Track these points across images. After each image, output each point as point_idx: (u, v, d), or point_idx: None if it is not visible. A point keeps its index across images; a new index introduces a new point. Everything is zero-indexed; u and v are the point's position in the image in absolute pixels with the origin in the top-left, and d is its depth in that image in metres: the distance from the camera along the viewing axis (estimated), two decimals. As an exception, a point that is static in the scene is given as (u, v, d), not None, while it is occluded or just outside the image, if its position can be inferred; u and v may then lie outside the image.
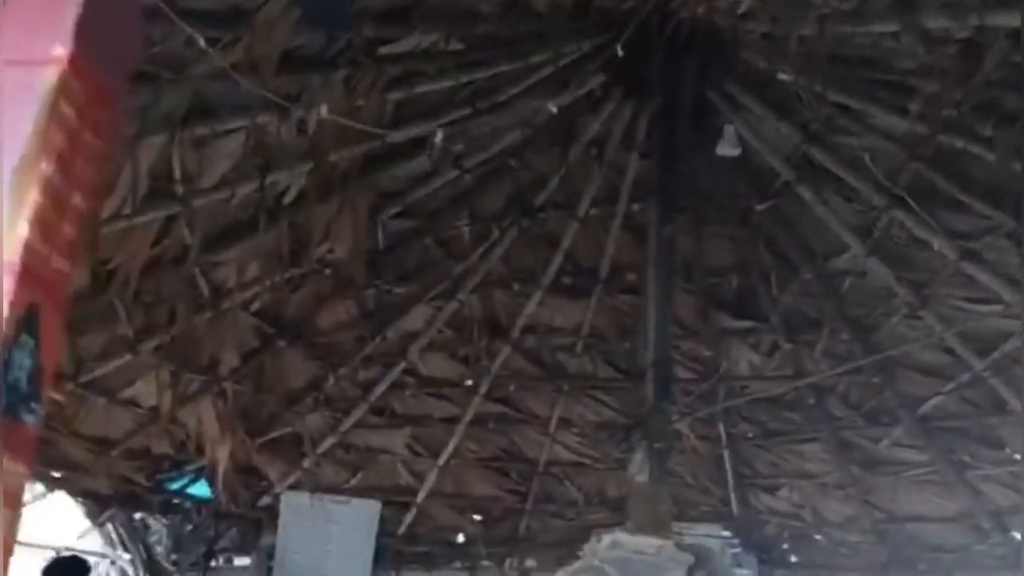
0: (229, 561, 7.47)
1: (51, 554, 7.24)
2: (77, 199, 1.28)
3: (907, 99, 4.48)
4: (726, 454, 6.63)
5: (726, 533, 5.13)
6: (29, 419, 1.23)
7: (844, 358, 5.78)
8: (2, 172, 1.21)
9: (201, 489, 6.71)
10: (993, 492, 6.15)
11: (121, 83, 1.39)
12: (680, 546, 3.78)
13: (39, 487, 6.28)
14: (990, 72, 3.77)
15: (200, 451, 6.17)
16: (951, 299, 5.40)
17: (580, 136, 5.32)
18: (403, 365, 6.43)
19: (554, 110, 4.58)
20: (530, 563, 7.53)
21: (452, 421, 6.74)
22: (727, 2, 4.42)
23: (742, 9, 4.42)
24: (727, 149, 4.49)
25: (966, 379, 5.66)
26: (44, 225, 1.23)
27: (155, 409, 5.84)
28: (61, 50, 1.24)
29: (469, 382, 6.64)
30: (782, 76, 4.64)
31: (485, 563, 7.31)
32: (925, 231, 5.11)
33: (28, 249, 1.20)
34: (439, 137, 3.86)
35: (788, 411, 6.38)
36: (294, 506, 6.64)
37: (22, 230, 1.20)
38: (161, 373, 5.60)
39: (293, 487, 6.68)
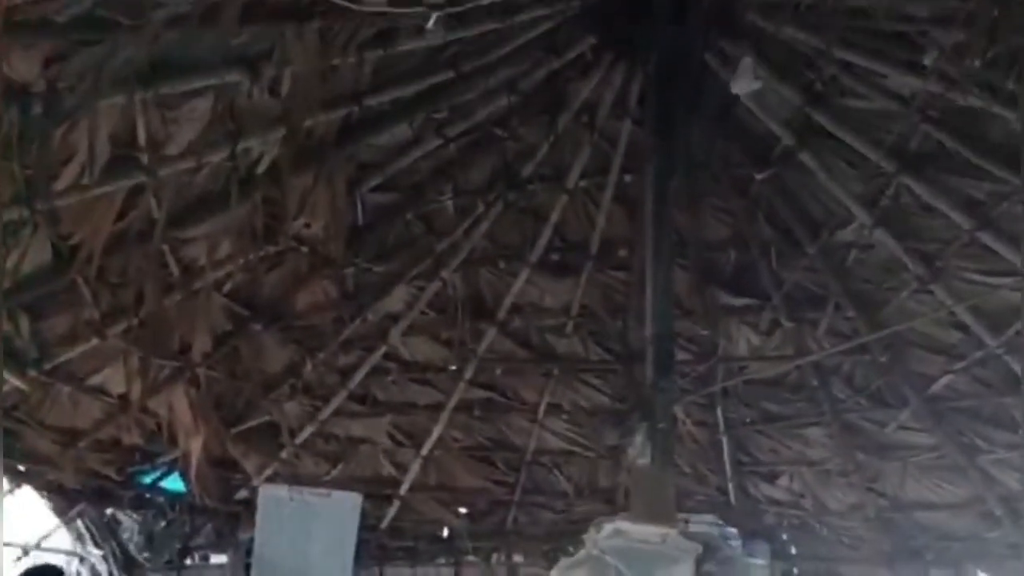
0: (205, 558, 7.25)
1: (17, 552, 6.95)
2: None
3: (921, 54, 4.20)
4: (724, 440, 6.37)
5: (722, 524, 4.89)
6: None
7: (849, 336, 5.51)
8: None
9: (174, 482, 6.48)
10: (1005, 477, 5.91)
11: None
12: (687, 534, 3.50)
13: (3, 482, 5.97)
14: (1020, 17, 3.48)
15: (173, 442, 5.93)
16: (964, 272, 5.13)
17: (570, 103, 5.04)
18: (384, 349, 6.19)
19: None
20: (518, 557, 7.35)
21: (436, 408, 6.51)
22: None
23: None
24: (744, 85, 4.16)
25: (978, 357, 5.40)
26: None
27: (124, 397, 5.58)
28: None
29: (453, 367, 6.40)
30: (784, 32, 4.35)
31: (471, 558, 7.14)
32: (937, 198, 4.84)
33: None
34: (432, 22, 3.52)
35: (789, 394, 6.13)
36: (272, 500, 6.41)
37: None
38: (130, 359, 5.33)
39: (271, 480, 6.44)
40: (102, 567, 7.69)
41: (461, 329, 6.08)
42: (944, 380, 5.67)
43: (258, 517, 6.38)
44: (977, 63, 3.86)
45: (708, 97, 4.84)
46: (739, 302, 5.78)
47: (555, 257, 5.81)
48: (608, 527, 3.50)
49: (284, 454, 6.38)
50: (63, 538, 7.71)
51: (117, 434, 5.89)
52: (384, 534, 6.86)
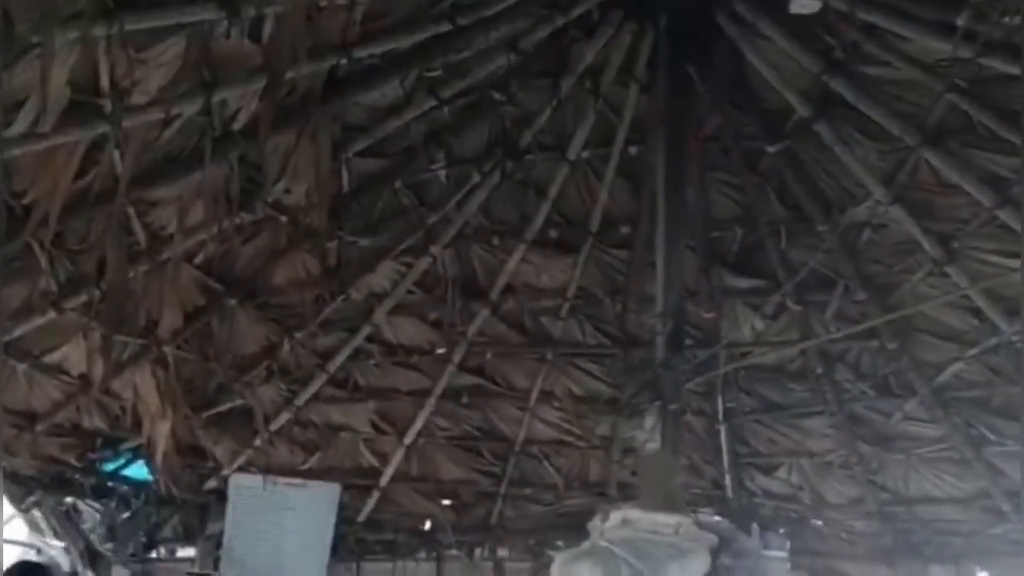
0: (171, 552, 6.98)
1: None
2: None
3: (951, 13, 3.91)
4: (722, 430, 6.08)
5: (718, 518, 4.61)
6: None
7: (857, 321, 5.23)
8: None
9: (139, 470, 6.20)
10: (1013, 470, 5.66)
11: None
12: (701, 524, 3.19)
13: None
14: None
15: (137, 427, 5.63)
16: (981, 252, 4.87)
17: (573, 66, 4.72)
18: (367, 330, 5.88)
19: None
20: (502, 552, 7.09)
21: (421, 394, 6.22)
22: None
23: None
24: (803, 5, 3.83)
25: (992, 344, 5.13)
26: None
27: (85, 378, 5.28)
28: None
29: (441, 350, 6.11)
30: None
31: (453, 552, 6.87)
32: (958, 174, 4.57)
33: None
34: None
35: (792, 382, 5.86)
36: (244, 490, 6.19)
37: None
38: (91, 335, 5.01)
39: (243, 469, 6.18)
40: (62, 559, 7.34)
41: (451, 310, 5.79)
42: (954, 368, 5.42)
43: (229, 508, 6.15)
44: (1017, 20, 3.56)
45: (720, 63, 4.55)
46: (745, 284, 5.50)
47: (553, 234, 5.51)
48: (615, 516, 3.19)
49: (258, 441, 6.07)
50: (19, 529, 7.36)
51: (77, 418, 5.63)
52: (363, 527, 6.59)
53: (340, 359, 5.94)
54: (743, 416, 6.06)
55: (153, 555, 6.80)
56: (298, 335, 5.67)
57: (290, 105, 4.18)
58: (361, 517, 6.54)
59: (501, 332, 6.02)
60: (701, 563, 2.99)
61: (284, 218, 4.96)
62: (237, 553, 6.16)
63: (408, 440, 6.31)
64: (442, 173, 5.15)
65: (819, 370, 5.69)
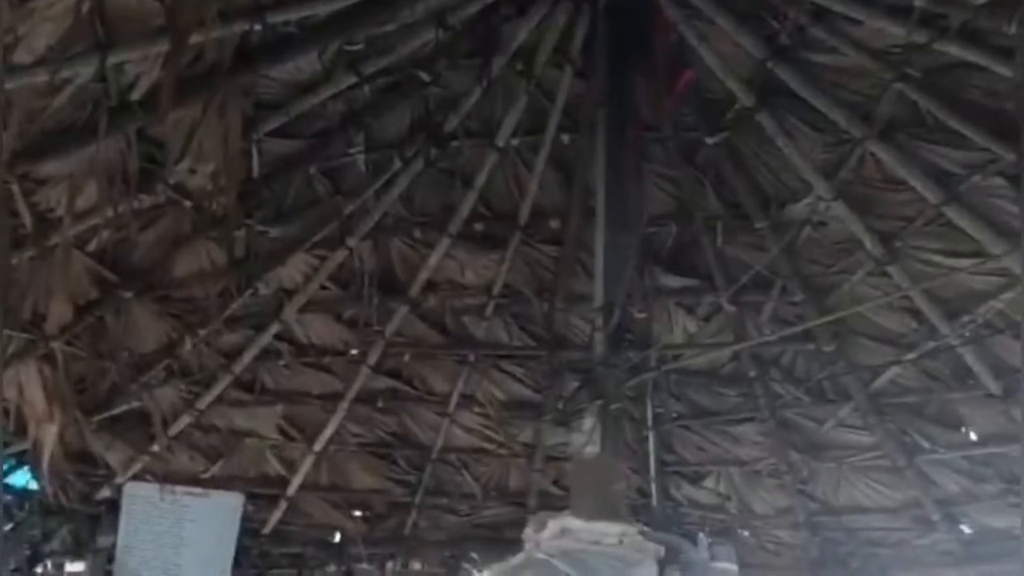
0: (59, 566, 6.49)
1: None
2: None
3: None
4: (650, 436, 5.84)
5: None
6: None
7: (794, 323, 5.06)
8: None
9: (23, 478, 5.71)
10: (945, 479, 5.56)
11: None
12: (646, 534, 2.92)
13: None
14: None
15: (22, 430, 5.13)
16: (924, 251, 4.73)
17: (505, 46, 4.44)
18: (276, 328, 5.50)
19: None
20: (416, 565, 6.79)
21: (333, 398, 5.88)
22: None
23: None
24: None
25: (930, 347, 5.01)
26: None
27: None
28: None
29: (355, 351, 5.78)
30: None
31: (364, 566, 6.54)
32: (904, 168, 4.41)
33: None
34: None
35: (724, 386, 5.66)
36: (140, 499, 5.78)
37: None
38: None
39: (138, 477, 5.77)
40: (-65, 575, 6.78)
41: (367, 307, 5.43)
42: (890, 373, 5.28)
43: (122, 520, 5.74)
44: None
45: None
46: (678, 283, 5.28)
47: (479, 227, 5.23)
48: (553, 525, 2.90)
49: (155, 447, 5.65)
50: None
51: None
52: (268, 539, 6.19)
53: (246, 359, 5.57)
54: (672, 422, 5.83)
55: (39, 570, 6.34)
56: (201, 332, 5.27)
57: (196, 75, 3.81)
58: (267, 529, 6.16)
59: (421, 332, 5.70)
60: (648, 575, 2.72)
61: (187, 203, 4.55)
62: (131, 568, 5.75)
63: (318, 447, 5.95)
64: (360, 158, 4.82)
65: (752, 374, 5.49)
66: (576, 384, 3.58)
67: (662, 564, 2.87)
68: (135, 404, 5.44)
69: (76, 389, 5.11)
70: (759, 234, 4.92)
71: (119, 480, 5.72)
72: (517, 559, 2.86)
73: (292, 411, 5.90)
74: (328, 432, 5.91)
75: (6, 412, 5.15)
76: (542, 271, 5.39)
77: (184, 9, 3.36)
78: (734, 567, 3.14)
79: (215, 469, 5.94)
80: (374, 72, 4.39)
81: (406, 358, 5.82)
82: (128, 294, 4.89)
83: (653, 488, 6.10)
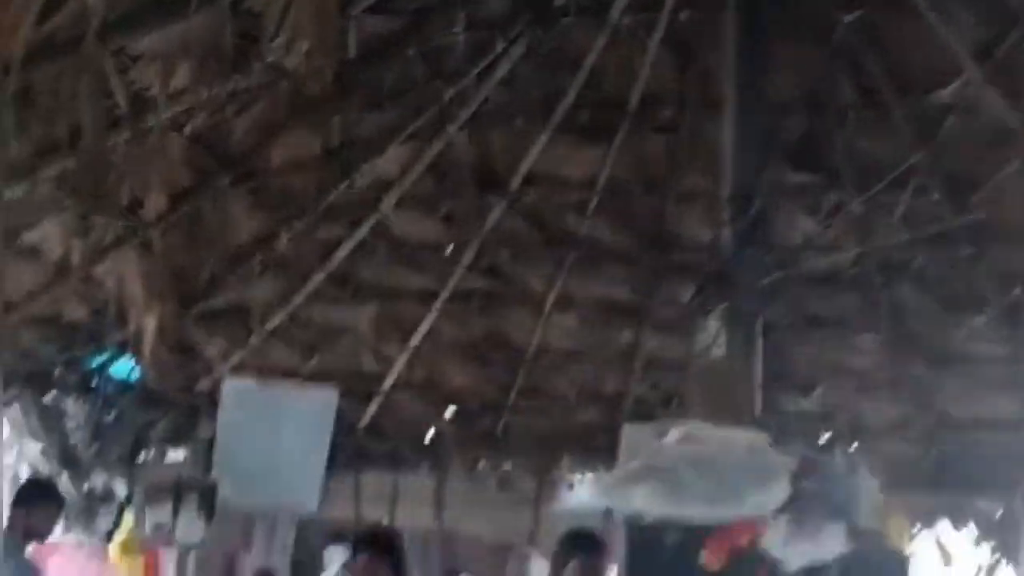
0: (161, 455, 6.52)
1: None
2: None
3: None
4: (759, 344, 5.53)
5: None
6: None
7: (929, 224, 4.66)
8: None
9: (125, 368, 5.70)
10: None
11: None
12: (777, 445, 2.67)
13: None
14: None
15: (123, 320, 5.12)
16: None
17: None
18: (373, 222, 5.31)
19: None
20: (506, 467, 6.67)
21: (428, 296, 5.72)
22: None
23: None
24: None
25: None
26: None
27: (64, 262, 4.78)
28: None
29: (452, 248, 5.58)
30: None
31: (455, 466, 6.39)
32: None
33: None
34: None
35: (844, 292, 5.29)
36: (238, 392, 5.69)
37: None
38: (67, 213, 4.48)
39: (236, 370, 5.70)
40: (43, 463, 6.94)
41: (464, 202, 5.24)
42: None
43: (221, 411, 5.65)
44: None
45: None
46: (802, 178, 4.90)
47: (585, 116, 4.90)
48: (676, 430, 2.66)
49: (252, 341, 5.58)
50: (-6, 427, 6.93)
51: (57, 307, 5.13)
52: (362, 436, 6.12)
53: (342, 253, 5.41)
54: (785, 329, 5.51)
55: (140, 458, 6.42)
56: (297, 224, 5.11)
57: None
58: (361, 425, 6.09)
59: (519, 229, 5.47)
60: (782, 488, 2.48)
61: (284, 84, 4.33)
62: (229, 459, 5.68)
63: (413, 344, 5.83)
64: (461, 39, 4.52)
65: (877, 279, 5.12)
66: (694, 286, 3.29)
67: (795, 477, 2.62)
68: (233, 297, 5.36)
69: (175, 279, 5.05)
70: (896, 124, 4.50)
71: (217, 373, 5.69)
72: (631, 467, 2.65)
73: (387, 308, 5.77)
74: (423, 330, 5.78)
75: (107, 302, 5.15)
76: (652, 164, 5.07)
77: None
78: (875, 480, 2.88)
79: (311, 364, 5.86)
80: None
81: (503, 256, 5.62)
82: (225, 182, 4.74)
83: (758, 398, 5.84)
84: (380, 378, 5.96)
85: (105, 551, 6.49)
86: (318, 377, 5.83)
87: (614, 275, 5.63)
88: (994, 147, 4.49)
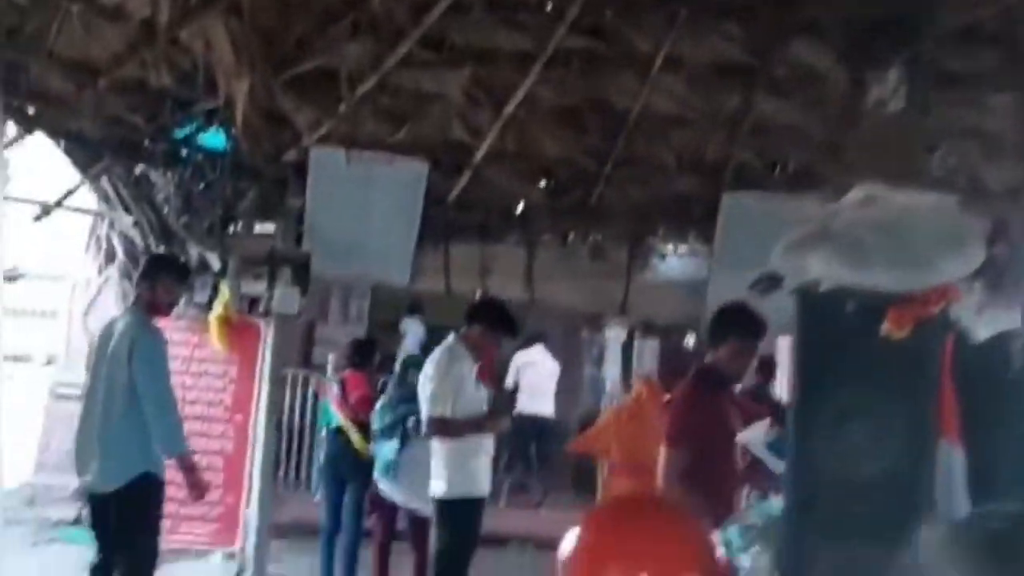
0: (249, 227, 6.46)
1: (36, 211, 6.15)
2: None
3: None
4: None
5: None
6: None
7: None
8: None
9: (214, 138, 5.53)
10: None
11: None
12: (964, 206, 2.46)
13: (11, 126, 5.02)
14: None
15: (211, 87, 4.92)
16: None
17: None
18: (469, -24, 4.93)
19: None
20: (597, 237, 6.54)
21: (526, 59, 5.34)
22: None
23: None
24: None
25: None
26: None
27: (150, 24, 4.53)
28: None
29: (551, 5, 5.19)
30: None
31: (546, 237, 6.33)
32: None
33: None
34: None
35: (984, 47, 4.84)
36: (326, 163, 5.51)
37: None
38: None
39: (325, 140, 5.45)
40: (135, 233, 6.95)
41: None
42: None
43: (310, 182, 5.51)
44: None
45: None
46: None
47: None
48: (855, 193, 2.45)
49: (342, 109, 5.30)
50: (88, 198, 6.91)
51: (143, 73, 4.86)
52: (452, 208, 5.97)
53: (436, 13, 5.02)
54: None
55: (230, 230, 6.36)
56: (389, -20, 4.78)
57: None
58: (451, 197, 5.92)
59: (627, -18, 5.04)
60: (977, 254, 2.29)
61: None
62: (319, 230, 5.61)
63: (508, 110, 5.51)
64: None
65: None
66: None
67: (990, 241, 2.43)
68: (322, 61, 5.06)
69: (264, 42, 4.78)
70: None
71: (306, 142, 5.46)
72: (805, 231, 2.47)
73: (481, 72, 5.43)
74: (519, 96, 5.45)
75: (195, 67, 4.91)
76: None
77: None
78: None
79: (401, 135, 5.60)
80: None
81: (608, 14, 5.22)
82: (315, -62, 4.39)
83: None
84: (471, 150, 5.73)
85: (204, 322, 6.60)
86: (408, 148, 5.60)
87: (728, 33, 5.24)
88: None
